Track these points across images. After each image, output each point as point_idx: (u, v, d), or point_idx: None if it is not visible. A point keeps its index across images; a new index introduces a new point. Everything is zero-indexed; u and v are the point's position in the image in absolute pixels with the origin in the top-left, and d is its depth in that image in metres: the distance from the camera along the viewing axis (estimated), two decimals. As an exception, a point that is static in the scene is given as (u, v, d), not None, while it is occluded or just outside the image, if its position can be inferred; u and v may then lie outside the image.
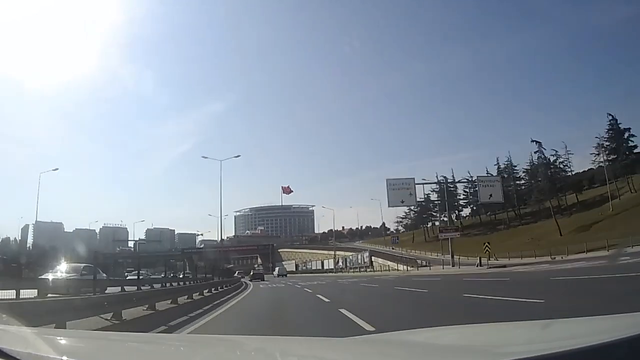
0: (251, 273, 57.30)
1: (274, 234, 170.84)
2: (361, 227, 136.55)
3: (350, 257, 76.10)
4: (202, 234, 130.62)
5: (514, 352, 1.27)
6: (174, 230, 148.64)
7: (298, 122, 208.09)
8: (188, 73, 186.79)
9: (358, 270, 66.32)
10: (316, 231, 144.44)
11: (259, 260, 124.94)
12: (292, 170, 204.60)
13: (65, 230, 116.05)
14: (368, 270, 62.58)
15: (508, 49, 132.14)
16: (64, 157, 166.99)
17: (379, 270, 56.44)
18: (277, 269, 73.55)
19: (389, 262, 56.27)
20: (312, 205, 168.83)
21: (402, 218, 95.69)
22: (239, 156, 45.92)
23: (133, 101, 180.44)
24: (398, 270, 50.51)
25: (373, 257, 66.54)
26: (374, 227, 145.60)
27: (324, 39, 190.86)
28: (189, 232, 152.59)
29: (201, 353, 1.93)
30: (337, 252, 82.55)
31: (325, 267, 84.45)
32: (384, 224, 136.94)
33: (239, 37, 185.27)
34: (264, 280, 46.84)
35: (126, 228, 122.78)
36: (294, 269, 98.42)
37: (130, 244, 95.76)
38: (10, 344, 1.34)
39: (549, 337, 1.60)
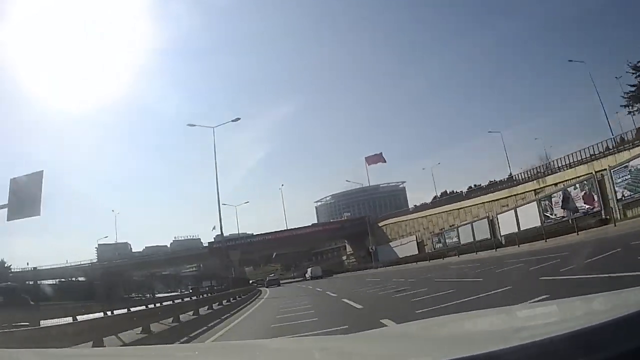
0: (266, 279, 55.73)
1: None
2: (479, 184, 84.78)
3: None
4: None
5: (525, 336, 1.17)
6: (252, 233, 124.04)
7: (368, 105, 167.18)
8: (253, 79, 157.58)
9: None
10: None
11: (348, 249, 77.22)
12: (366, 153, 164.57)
13: (133, 250, 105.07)
14: None
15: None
16: (137, 178, 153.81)
17: None
18: (309, 269, 57.04)
19: None
20: (403, 182, 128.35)
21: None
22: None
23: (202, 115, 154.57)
24: None
25: None
26: (499, 180, 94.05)
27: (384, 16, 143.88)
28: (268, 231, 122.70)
29: None
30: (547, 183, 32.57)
31: (504, 229, 35.59)
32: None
33: (293, 27, 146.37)
34: (279, 286, 46.34)
35: (199, 239, 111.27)
36: (416, 251, 50.21)
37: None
38: None
39: (555, 318, 1.63)
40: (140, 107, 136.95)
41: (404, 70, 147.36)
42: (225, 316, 14.78)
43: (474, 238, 40.40)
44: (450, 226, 45.73)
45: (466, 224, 42.61)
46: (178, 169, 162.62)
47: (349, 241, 73.22)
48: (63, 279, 44.19)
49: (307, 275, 55.74)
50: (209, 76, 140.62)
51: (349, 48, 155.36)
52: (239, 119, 29.93)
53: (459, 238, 43.58)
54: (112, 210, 71.09)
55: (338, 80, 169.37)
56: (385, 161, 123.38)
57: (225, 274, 55.85)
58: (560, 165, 32.00)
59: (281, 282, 56.35)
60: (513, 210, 35.23)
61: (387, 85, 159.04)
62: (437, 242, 48.04)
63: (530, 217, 32.87)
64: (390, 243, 57.83)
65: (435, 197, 61.34)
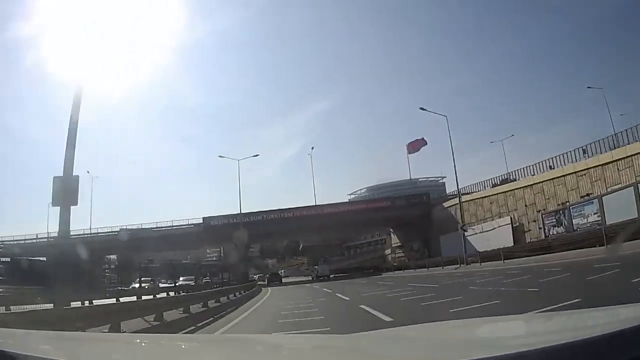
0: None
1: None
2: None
3: None
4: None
5: (516, 344, 1.28)
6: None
7: (406, 98, 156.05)
8: (289, 73, 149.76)
9: None
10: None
11: (394, 240, 60.12)
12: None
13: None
14: None
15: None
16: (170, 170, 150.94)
17: None
18: (316, 267, 50.37)
19: None
20: (443, 177, 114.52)
21: None
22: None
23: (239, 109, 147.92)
24: None
25: None
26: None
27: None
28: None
29: (215, 353, 1.96)
30: None
31: None
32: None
33: (329, 22, 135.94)
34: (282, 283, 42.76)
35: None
36: (510, 240, 32.60)
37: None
38: (13, 347, 1.39)
39: (551, 328, 1.65)
40: (176, 100, 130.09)
41: (444, 65, 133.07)
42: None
43: (641, 212, 23.64)
44: (582, 197, 28.76)
45: (620, 188, 25.72)
46: (214, 157, 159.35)
47: (395, 229, 56.56)
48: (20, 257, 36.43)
49: (313, 275, 49.86)
50: (243, 71, 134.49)
51: (390, 39, 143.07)
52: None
53: (602, 215, 26.65)
54: (88, 172, 55.16)
55: (375, 74, 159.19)
56: (426, 143, 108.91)
57: (235, 265, 41.42)
58: None
59: (298, 280, 50.12)
60: None
61: (427, 79, 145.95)
62: (552, 224, 30.76)
63: None
64: (473, 225, 41.12)
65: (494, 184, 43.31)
